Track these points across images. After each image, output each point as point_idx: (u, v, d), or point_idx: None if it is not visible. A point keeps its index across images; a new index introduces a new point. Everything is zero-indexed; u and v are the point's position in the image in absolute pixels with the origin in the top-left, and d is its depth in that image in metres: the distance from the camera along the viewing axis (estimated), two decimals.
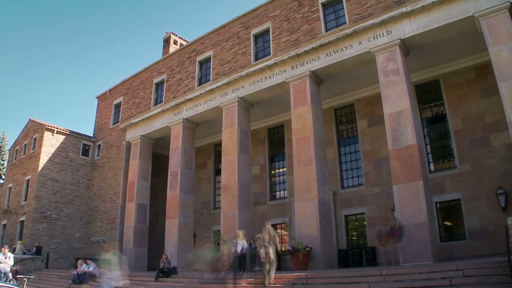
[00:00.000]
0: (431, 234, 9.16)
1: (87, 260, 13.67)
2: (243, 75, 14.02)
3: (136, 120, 18.27)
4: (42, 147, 19.59)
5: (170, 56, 18.91)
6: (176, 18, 72.70)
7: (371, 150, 13.66)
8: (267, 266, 8.36)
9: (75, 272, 12.98)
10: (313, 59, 12.41)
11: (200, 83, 16.68)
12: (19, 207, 20.05)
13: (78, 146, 21.05)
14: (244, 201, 13.33)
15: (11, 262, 10.87)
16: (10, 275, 10.87)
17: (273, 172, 16.63)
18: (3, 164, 34.75)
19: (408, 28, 10.78)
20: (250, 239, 12.20)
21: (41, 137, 19.94)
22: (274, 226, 15.65)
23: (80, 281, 12.70)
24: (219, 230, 13.57)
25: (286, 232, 14.97)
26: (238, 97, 14.22)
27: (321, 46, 12.13)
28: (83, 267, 13.11)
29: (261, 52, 14.75)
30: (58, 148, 20.16)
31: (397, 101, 10.46)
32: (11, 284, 9.38)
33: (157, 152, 19.42)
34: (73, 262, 18.74)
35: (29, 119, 22.13)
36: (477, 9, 9.67)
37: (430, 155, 12.56)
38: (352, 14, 12.33)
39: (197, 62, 17.06)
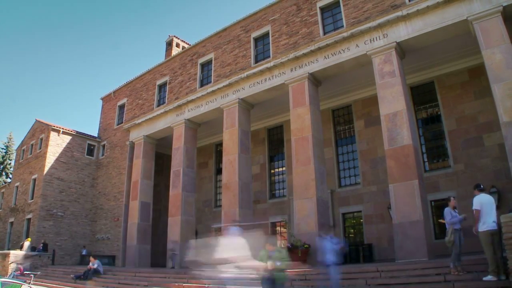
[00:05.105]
0: (426, 232, 9.34)
1: (91, 257, 14.06)
2: (244, 77, 14.32)
3: (139, 121, 18.63)
4: (48, 147, 19.97)
5: (173, 59, 19.23)
6: (178, 21, 73.16)
7: (367, 150, 13.93)
8: None
9: (87, 269, 13.37)
10: (311, 61, 12.68)
11: (201, 85, 16.99)
12: (26, 205, 20.48)
13: (83, 146, 21.45)
14: (245, 200, 13.62)
15: None
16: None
17: (272, 171, 16.93)
18: (10, 164, 35.34)
19: (403, 32, 10.99)
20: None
21: (47, 137, 20.34)
22: (274, 223, 16.01)
23: (85, 277, 13.08)
24: (220, 228, 13.88)
25: (285, 230, 15.28)
26: (238, 98, 14.51)
27: (319, 49, 12.40)
28: (90, 264, 13.51)
29: (261, 55, 15.02)
30: (64, 148, 20.56)
31: (393, 102, 10.67)
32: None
33: (160, 151, 19.78)
34: (78, 259, 19.19)
35: (36, 120, 22.55)
36: (471, 13, 9.85)
37: (425, 155, 12.80)
38: (350, 17, 12.58)
39: (198, 64, 17.37)
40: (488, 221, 5.99)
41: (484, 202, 6.17)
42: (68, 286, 12.89)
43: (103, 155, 21.65)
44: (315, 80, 13.00)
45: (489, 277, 5.98)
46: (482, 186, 6.61)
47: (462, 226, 11.12)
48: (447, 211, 6.96)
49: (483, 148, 11.62)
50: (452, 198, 7.22)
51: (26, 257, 16.52)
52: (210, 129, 17.98)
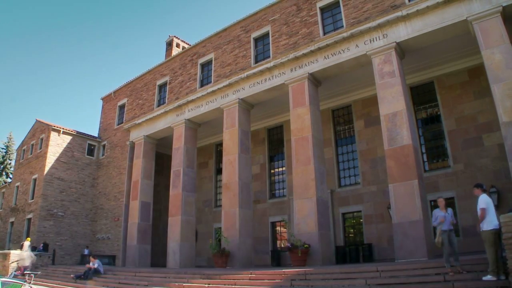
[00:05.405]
0: (426, 232, 9.33)
1: (91, 257, 14.09)
2: (244, 77, 14.34)
3: (139, 121, 18.66)
4: (49, 147, 20.00)
5: (173, 59, 19.26)
6: (178, 22, 73.22)
7: (367, 150, 13.95)
8: None
9: (87, 268, 13.40)
10: (311, 61, 12.70)
11: (201, 85, 17.01)
12: (26, 205, 20.51)
13: (83, 146, 21.48)
14: (245, 199, 13.65)
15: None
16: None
17: (272, 171, 16.96)
18: (10, 164, 35.40)
19: (403, 32, 11.01)
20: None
21: (48, 137, 20.37)
22: (274, 223, 16.04)
23: (85, 277, 13.10)
24: (220, 228, 13.92)
25: (285, 230, 15.31)
26: (238, 99, 14.53)
27: (319, 49, 12.41)
28: (90, 264, 13.53)
29: (261, 55, 15.04)
30: (64, 148, 20.59)
31: (392, 102, 10.68)
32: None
33: (160, 151, 19.83)
34: (78, 259, 19.21)
35: (36, 120, 22.58)
36: (471, 13, 9.85)
37: (425, 155, 12.82)
38: (349, 18, 12.59)
39: (199, 65, 17.39)
40: (493, 220, 6.02)
41: (488, 202, 6.21)
42: (69, 286, 12.90)
43: (103, 155, 21.68)
44: (315, 80, 13.02)
45: (488, 277, 6.00)
46: (484, 187, 6.64)
47: (463, 226, 11.16)
48: (434, 212, 6.98)
49: (483, 148, 11.65)
50: (440, 199, 7.11)
51: (26, 256, 16.53)
52: (210, 129, 18.00)
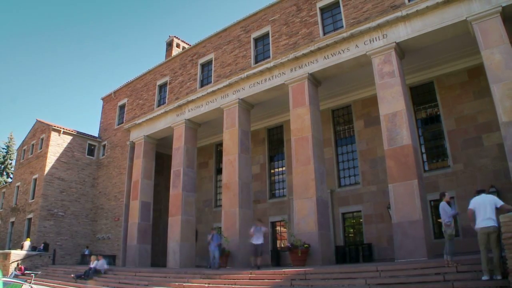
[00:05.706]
0: (426, 231, 9.35)
1: (91, 257, 14.13)
2: (244, 77, 14.36)
3: (140, 121, 18.69)
4: (49, 147, 20.03)
5: (173, 59, 19.28)
6: (179, 22, 73.28)
7: (367, 150, 13.97)
8: None
9: (89, 268, 13.45)
10: (311, 61, 12.72)
11: (202, 85, 17.04)
12: (26, 205, 20.53)
13: (83, 146, 21.50)
14: (245, 199, 13.66)
15: None
16: None
17: (272, 171, 16.97)
18: (11, 163, 35.44)
19: (403, 32, 11.02)
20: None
21: (48, 137, 20.39)
22: (274, 223, 16.05)
23: (86, 277, 13.14)
24: (220, 228, 13.93)
25: (285, 229, 15.33)
26: (238, 99, 14.55)
27: (319, 49, 12.43)
28: (90, 264, 13.57)
29: (261, 55, 15.05)
30: (64, 148, 20.61)
31: (392, 103, 10.70)
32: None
33: (160, 151, 19.84)
34: (79, 259, 19.24)
35: (37, 120, 22.60)
36: (470, 14, 9.87)
37: (424, 155, 12.83)
38: (349, 18, 12.61)
39: (199, 65, 17.41)
40: (478, 220, 6.15)
41: (475, 202, 6.37)
42: (69, 286, 12.93)
43: (103, 155, 21.71)
44: (315, 80, 13.04)
45: (484, 277, 6.04)
46: (446, 194, 7.21)
47: (463, 225, 11.18)
48: (443, 206, 7.11)
49: (482, 148, 11.66)
50: (446, 194, 7.33)
51: (26, 256, 16.58)
52: (210, 129, 18.02)
